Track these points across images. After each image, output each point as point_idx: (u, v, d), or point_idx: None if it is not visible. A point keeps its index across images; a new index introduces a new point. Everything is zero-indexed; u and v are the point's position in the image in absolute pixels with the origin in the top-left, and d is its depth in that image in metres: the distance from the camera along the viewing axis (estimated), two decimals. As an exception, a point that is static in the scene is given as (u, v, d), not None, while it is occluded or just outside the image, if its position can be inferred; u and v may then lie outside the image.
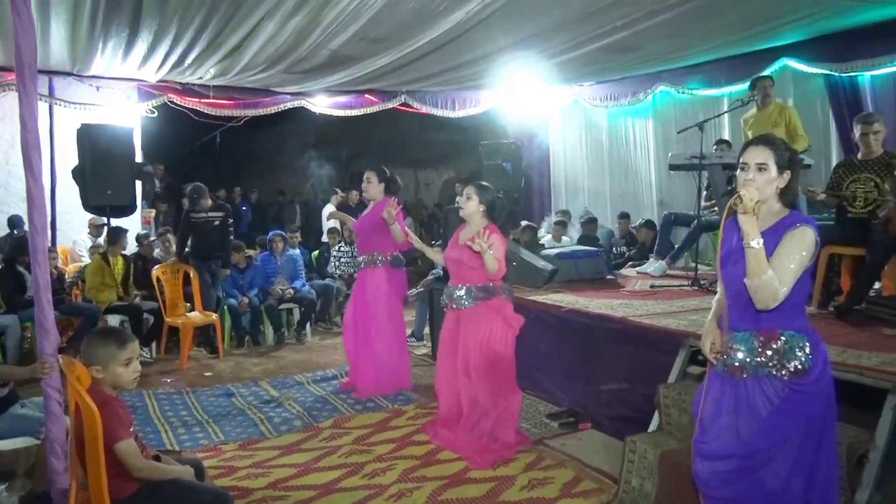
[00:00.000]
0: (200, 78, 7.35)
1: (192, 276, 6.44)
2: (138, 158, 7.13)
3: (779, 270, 2.08)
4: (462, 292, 3.89)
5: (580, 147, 9.63)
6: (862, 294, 4.14)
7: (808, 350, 2.16)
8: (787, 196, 2.22)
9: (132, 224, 7.16)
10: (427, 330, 6.51)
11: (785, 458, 2.18)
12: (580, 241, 7.39)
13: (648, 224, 7.65)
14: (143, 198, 7.93)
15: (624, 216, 8.23)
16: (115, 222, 6.48)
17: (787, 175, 2.20)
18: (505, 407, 3.91)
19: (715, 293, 2.50)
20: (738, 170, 2.25)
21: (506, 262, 3.90)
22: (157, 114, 7.80)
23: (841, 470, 2.76)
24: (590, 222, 8.14)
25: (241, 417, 4.61)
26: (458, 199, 4.10)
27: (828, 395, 2.22)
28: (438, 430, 4.09)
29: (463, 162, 13.96)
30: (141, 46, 6.03)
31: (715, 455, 2.25)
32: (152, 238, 7.22)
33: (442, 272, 6.05)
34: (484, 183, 4.08)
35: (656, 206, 8.42)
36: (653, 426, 3.59)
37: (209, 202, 6.66)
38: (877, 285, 4.45)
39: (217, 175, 12.95)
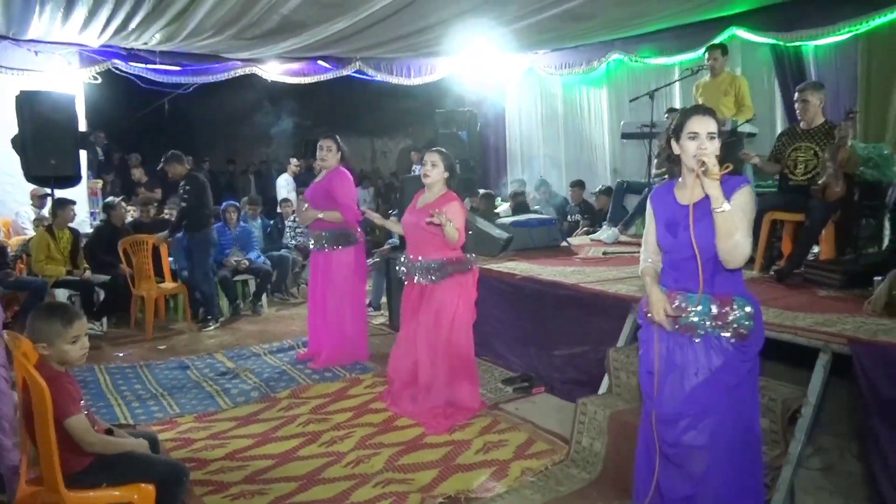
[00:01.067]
0: (146, 43, 7.09)
1: (161, 248, 6.43)
2: (82, 127, 6.88)
3: (741, 230, 2.20)
4: (426, 267, 3.90)
5: (535, 115, 9.66)
6: (801, 258, 4.32)
7: (752, 314, 2.30)
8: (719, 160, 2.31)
9: (78, 195, 6.94)
10: (384, 299, 6.54)
11: (713, 415, 2.32)
12: (514, 212, 7.48)
13: (607, 191, 7.75)
14: (88, 168, 7.67)
15: (578, 184, 8.33)
16: (59, 193, 6.27)
17: (718, 141, 2.31)
18: (463, 376, 3.98)
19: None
20: (686, 138, 2.31)
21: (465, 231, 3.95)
22: (100, 80, 7.51)
23: (776, 424, 2.93)
24: (518, 194, 8.21)
25: (197, 390, 4.59)
26: (414, 167, 4.11)
27: (758, 357, 2.38)
28: (395, 397, 4.15)
29: (419, 130, 13.86)
30: (81, 10, 5.77)
31: (670, 413, 2.37)
32: (115, 202, 6.97)
33: (398, 241, 6.07)
34: (443, 149, 4.09)
35: (610, 173, 8.54)
36: (603, 388, 3.72)
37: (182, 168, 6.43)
38: (815, 249, 4.66)
39: (166, 144, 12.55)
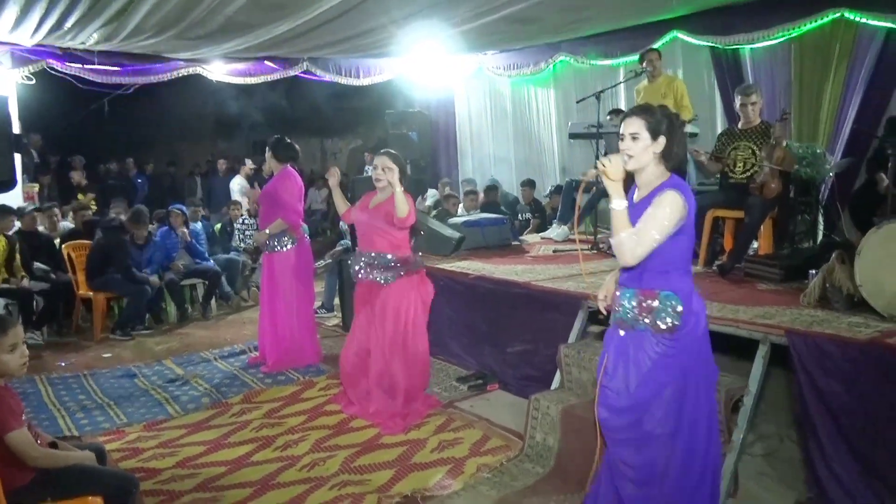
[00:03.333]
0: (83, 43, 6.84)
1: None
2: (16, 129, 6.61)
3: (640, 232, 2.25)
4: (375, 264, 3.90)
5: (485, 115, 9.74)
6: (741, 253, 4.49)
7: (679, 309, 2.31)
8: (668, 159, 2.36)
9: (13, 200, 6.65)
10: (337, 300, 6.49)
11: (661, 406, 2.37)
12: (483, 209, 7.53)
13: (559, 190, 7.87)
14: (23, 171, 7.37)
15: (528, 184, 8.44)
16: (-7, 199, 6.01)
17: (662, 140, 2.33)
18: (417, 376, 4.00)
19: (613, 256, 2.64)
20: (620, 140, 2.39)
21: (413, 232, 3.96)
22: (34, 81, 7.22)
23: (720, 414, 3.03)
24: (490, 189, 8.29)
25: (145, 398, 4.47)
26: (367, 168, 4.10)
27: (699, 349, 2.40)
28: (350, 398, 4.13)
29: (369, 130, 13.79)
30: (12, 8, 5.52)
31: (615, 406, 2.43)
32: (28, 209, 6.71)
33: (350, 242, 6.04)
34: (392, 150, 4.09)
35: (559, 172, 8.68)
36: (555, 384, 3.79)
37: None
38: (755, 245, 4.84)
39: (107, 146, 12.20)
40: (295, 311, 4.94)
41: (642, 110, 2.39)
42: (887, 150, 4.26)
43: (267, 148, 4.97)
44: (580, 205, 2.44)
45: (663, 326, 2.32)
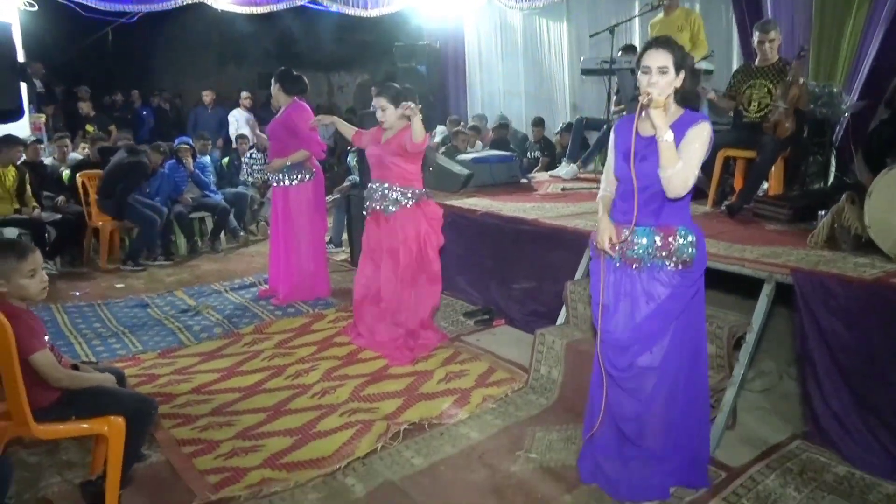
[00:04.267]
0: (86, -33, 6.69)
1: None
2: (20, 58, 6.52)
3: (686, 161, 2.26)
4: (387, 196, 3.91)
5: (496, 49, 9.53)
6: (751, 193, 4.47)
7: (695, 242, 2.40)
8: (680, 94, 2.35)
9: (20, 130, 6.63)
10: (345, 236, 6.54)
11: (664, 339, 2.43)
12: (493, 146, 7.48)
13: (569, 128, 7.79)
14: (28, 101, 7.31)
15: (538, 123, 8.33)
16: (1, 128, 5.99)
17: (682, 75, 2.32)
18: (426, 306, 4.07)
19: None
20: (640, 73, 2.35)
21: (423, 167, 3.97)
22: (37, 7, 7.07)
23: (721, 350, 3.11)
24: (501, 127, 8.21)
25: (159, 327, 4.58)
26: (374, 102, 4.06)
27: (701, 280, 2.49)
28: (359, 331, 4.22)
29: (377, 64, 13.52)
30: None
31: (618, 339, 2.47)
32: (32, 140, 6.69)
33: (359, 178, 6.03)
34: (390, 84, 4.04)
35: (570, 109, 8.56)
36: (560, 320, 3.85)
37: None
38: (765, 185, 4.82)
39: (110, 76, 12.03)
40: (309, 244, 4.98)
41: (669, 43, 2.34)
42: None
43: (273, 80, 4.88)
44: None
45: (685, 260, 2.37)
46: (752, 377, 3.45)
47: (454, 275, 5.00)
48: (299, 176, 4.85)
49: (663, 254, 2.37)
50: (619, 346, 2.48)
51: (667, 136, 2.23)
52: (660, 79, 2.30)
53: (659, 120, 2.23)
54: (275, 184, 4.96)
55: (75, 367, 2.54)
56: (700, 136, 2.30)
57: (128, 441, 2.41)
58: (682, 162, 2.25)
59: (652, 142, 2.33)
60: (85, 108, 9.28)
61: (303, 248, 4.96)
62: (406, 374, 3.76)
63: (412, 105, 3.65)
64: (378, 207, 3.97)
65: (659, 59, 2.30)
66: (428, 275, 4.04)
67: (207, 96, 10.08)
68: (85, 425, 2.40)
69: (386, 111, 3.89)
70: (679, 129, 2.31)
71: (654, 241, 2.38)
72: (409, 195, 3.91)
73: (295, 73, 4.89)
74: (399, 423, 3.16)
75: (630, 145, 2.38)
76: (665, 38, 2.39)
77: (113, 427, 2.37)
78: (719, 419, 2.98)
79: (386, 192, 3.93)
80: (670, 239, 2.37)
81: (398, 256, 3.94)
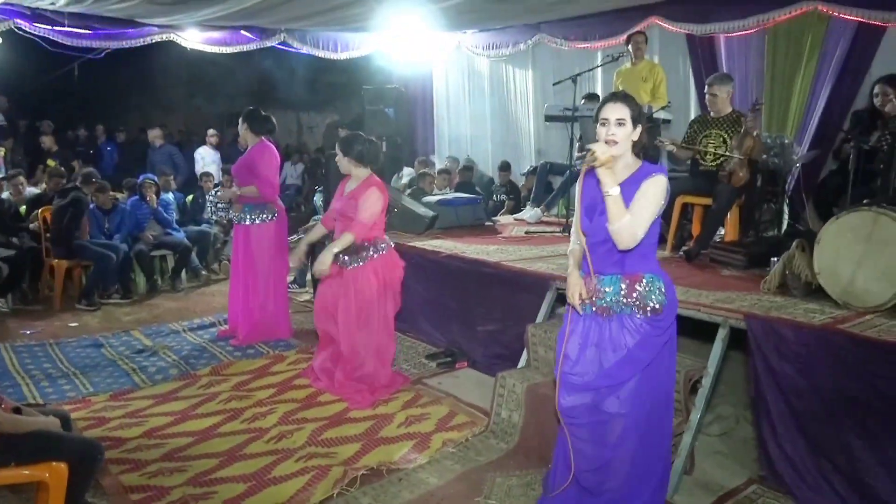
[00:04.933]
0: (53, 3, 6.66)
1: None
2: (-18, 91, 6.44)
3: (637, 216, 2.30)
4: (354, 251, 3.92)
5: (463, 94, 9.70)
6: (707, 239, 4.58)
7: (663, 290, 2.41)
8: (637, 147, 2.42)
9: (-23, 164, 6.51)
10: (309, 276, 6.49)
11: (630, 387, 2.43)
12: (458, 188, 7.56)
13: (535, 172, 7.91)
14: (-11, 135, 7.20)
15: (504, 167, 8.48)
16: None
17: (639, 129, 2.39)
18: (383, 352, 4.04)
19: None
20: (599, 125, 2.42)
21: (387, 212, 4.00)
22: (1, 41, 7.01)
23: (678, 394, 3.13)
24: (466, 169, 8.32)
25: (112, 368, 4.46)
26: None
27: (673, 330, 2.50)
28: (318, 374, 4.16)
29: (346, 105, 13.66)
30: (-21, -36, 5.37)
31: (582, 387, 2.47)
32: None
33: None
34: (348, 134, 4.13)
35: (535, 154, 8.72)
36: (522, 363, 3.86)
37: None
38: (721, 231, 4.95)
39: (76, 112, 11.90)
40: (271, 285, 4.93)
41: (626, 98, 2.42)
42: (850, 143, 4.37)
43: (241, 119, 4.90)
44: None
45: (655, 307, 2.38)
46: (710, 421, 3.49)
47: (417, 316, 4.99)
48: (262, 216, 4.83)
49: (629, 300, 2.39)
50: (578, 390, 2.47)
51: (612, 191, 2.27)
52: (617, 130, 2.36)
53: (604, 177, 2.28)
54: (237, 223, 4.92)
55: (17, 410, 2.45)
56: (652, 188, 2.33)
57: (70, 488, 2.32)
58: (630, 215, 2.29)
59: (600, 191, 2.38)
60: (48, 142, 9.15)
61: (263, 287, 4.91)
62: (366, 418, 3.70)
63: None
64: (337, 262, 3.95)
65: (617, 111, 2.37)
66: (384, 324, 4.02)
67: (155, 134, 9.90)
68: (25, 472, 2.30)
69: (338, 157, 4.01)
70: (636, 181, 2.36)
71: (621, 289, 2.40)
72: (369, 251, 3.91)
73: (263, 112, 4.92)
74: (357, 469, 3.10)
75: (591, 199, 2.44)
76: (623, 93, 2.48)
77: (54, 473, 2.28)
78: (677, 463, 3.00)
79: (349, 251, 3.92)
80: (636, 286, 2.39)
81: (350, 307, 3.91)
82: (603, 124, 2.40)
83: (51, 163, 8.40)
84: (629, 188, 2.35)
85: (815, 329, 2.89)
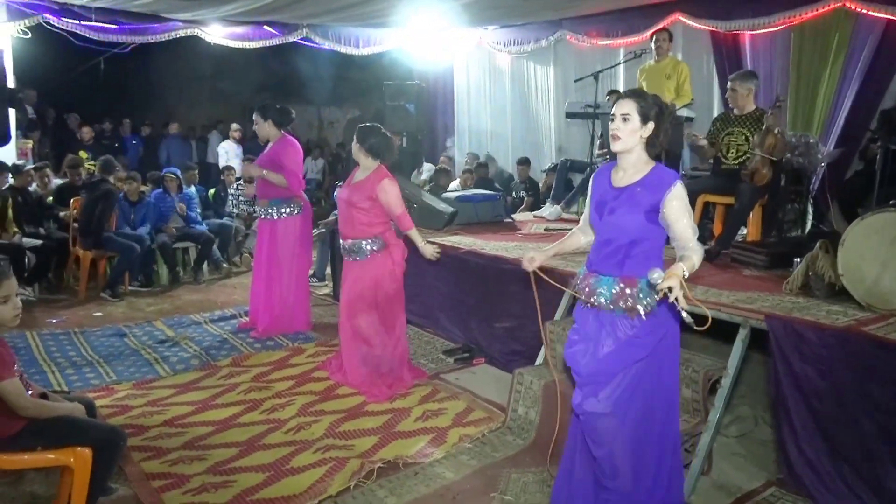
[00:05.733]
0: (81, -2, 6.78)
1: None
2: (10, 83, 6.55)
3: (686, 236, 2.30)
4: (354, 249, 3.98)
5: (484, 90, 9.69)
6: (729, 239, 4.53)
7: (657, 296, 2.30)
8: (653, 146, 2.39)
9: (7, 155, 6.63)
10: (328, 270, 6.54)
11: (618, 383, 2.38)
12: (476, 185, 7.56)
13: (554, 169, 7.88)
14: (17, 127, 7.31)
15: (523, 162, 8.45)
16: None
17: (650, 126, 2.35)
18: (395, 343, 4.06)
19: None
20: (609, 120, 2.41)
21: (403, 204, 4.02)
22: (30, 35, 7.14)
23: (697, 394, 3.12)
24: (480, 166, 8.31)
25: (135, 357, 4.53)
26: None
27: (673, 330, 2.44)
28: (337, 367, 4.20)
29: (367, 101, 13.70)
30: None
31: (580, 377, 2.45)
32: (27, 167, 6.70)
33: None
34: (367, 125, 4.13)
35: (555, 151, 8.68)
36: (539, 360, 3.86)
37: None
38: (743, 231, 4.90)
39: (102, 105, 12.07)
40: (293, 278, 4.98)
41: (635, 93, 2.41)
42: (877, 143, 4.30)
43: (257, 114, 4.90)
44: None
45: (643, 310, 2.33)
46: (728, 422, 3.46)
47: (435, 311, 5.01)
48: (287, 210, 4.87)
49: (621, 303, 2.35)
50: (578, 385, 2.47)
51: (683, 275, 2.15)
52: (622, 125, 2.34)
53: (681, 289, 2.10)
54: (263, 218, 4.97)
55: (44, 396, 2.51)
56: (681, 200, 2.32)
57: (94, 473, 2.36)
58: (680, 238, 2.30)
59: (622, 193, 2.37)
60: (86, 134, 9.35)
61: (286, 281, 4.95)
62: (383, 412, 3.73)
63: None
64: (349, 259, 4.04)
65: (624, 106, 2.36)
66: (394, 314, 4.06)
67: (174, 128, 10.20)
68: (50, 455, 2.36)
69: (353, 144, 4.06)
70: (647, 184, 2.35)
71: (614, 291, 2.37)
72: (376, 245, 3.95)
73: (278, 105, 4.95)
74: (373, 462, 3.13)
75: (602, 195, 2.43)
76: (635, 90, 2.46)
77: (79, 458, 2.33)
78: (694, 464, 2.98)
79: (351, 246, 3.99)
80: (628, 290, 2.34)
81: (356, 302, 3.97)
82: (611, 119, 2.40)
83: (83, 154, 8.53)
84: (642, 193, 2.33)
85: (838, 331, 2.85)
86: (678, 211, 2.31)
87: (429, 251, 3.97)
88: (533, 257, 2.66)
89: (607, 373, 2.39)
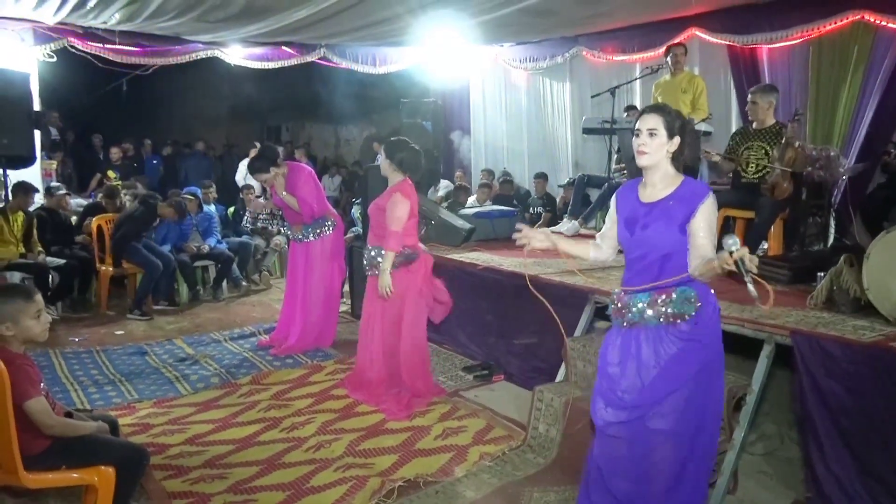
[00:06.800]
0: (105, 22, 6.92)
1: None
2: (36, 106, 6.70)
3: (705, 245, 2.26)
4: (376, 259, 3.98)
5: (500, 107, 9.73)
6: (750, 253, 4.48)
7: (693, 299, 2.32)
8: (678, 160, 2.39)
9: (32, 176, 6.75)
10: (346, 287, 6.55)
11: (676, 401, 2.35)
12: (495, 201, 7.57)
13: (572, 184, 7.87)
14: (41, 148, 7.46)
15: (540, 176, 8.45)
16: (12, 174, 6.11)
17: (676, 140, 2.35)
18: (416, 360, 4.06)
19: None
20: (633, 136, 2.41)
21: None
22: (55, 59, 7.30)
23: (722, 412, 3.06)
24: (506, 182, 8.33)
25: (156, 375, 4.56)
26: (378, 156, 4.18)
27: (718, 343, 2.41)
28: (356, 384, 4.20)
29: (384, 119, 13.80)
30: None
31: (624, 404, 2.39)
32: (60, 191, 6.82)
33: (362, 230, 6.10)
34: (396, 139, 4.15)
35: (572, 167, 8.68)
36: (560, 377, 3.83)
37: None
38: (765, 245, 4.85)
39: (124, 126, 12.29)
40: (324, 293, 5.05)
41: (660, 108, 2.41)
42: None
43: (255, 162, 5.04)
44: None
45: (683, 317, 2.32)
46: (754, 440, 3.40)
47: (454, 328, 5.00)
48: (321, 230, 4.95)
49: (659, 313, 2.33)
50: (622, 406, 2.41)
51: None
52: (648, 140, 2.34)
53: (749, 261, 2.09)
54: (298, 241, 5.03)
55: (69, 415, 2.53)
56: (711, 212, 2.31)
57: (117, 492, 2.38)
58: (706, 252, 2.24)
59: (654, 208, 2.36)
60: (115, 154, 9.53)
61: (320, 298, 5.04)
62: (403, 430, 3.71)
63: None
64: (369, 273, 4.06)
65: (649, 121, 2.36)
66: (413, 333, 4.05)
67: (201, 146, 10.45)
68: (75, 475, 2.37)
69: (380, 157, 4.07)
70: (681, 199, 2.33)
71: (647, 303, 2.36)
72: (405, 258, 3.95)
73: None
74: (394, 480, 3.11)
75: (631, 212, 2.42)
76: (658, 105, 2.46)
77: (103, 477, 2.35)
78: (720, 483, 2.93)
79: (373, 255, 4.00)
80: (660, 298, 2.33)
81: (379, 318, 3.99)
82: (637, 135, 2.39)
83: (111, 174, 8.68)
84: (680, 205, 2.32)
85: (865, 346, 2.80)
86: (707, 221, 2.30)
87: (384, 281, 3.84)
88: (538, 237, 2.60)
89: (661, 395, 2.34)
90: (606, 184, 6.04)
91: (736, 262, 2.06)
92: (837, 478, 2.81)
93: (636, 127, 2.40)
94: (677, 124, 2.36)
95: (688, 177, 2.44)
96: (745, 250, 2.06)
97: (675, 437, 2.37)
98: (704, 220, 2.29)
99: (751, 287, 2.07)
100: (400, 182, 3.99)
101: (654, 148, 2.34)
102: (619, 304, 2.44)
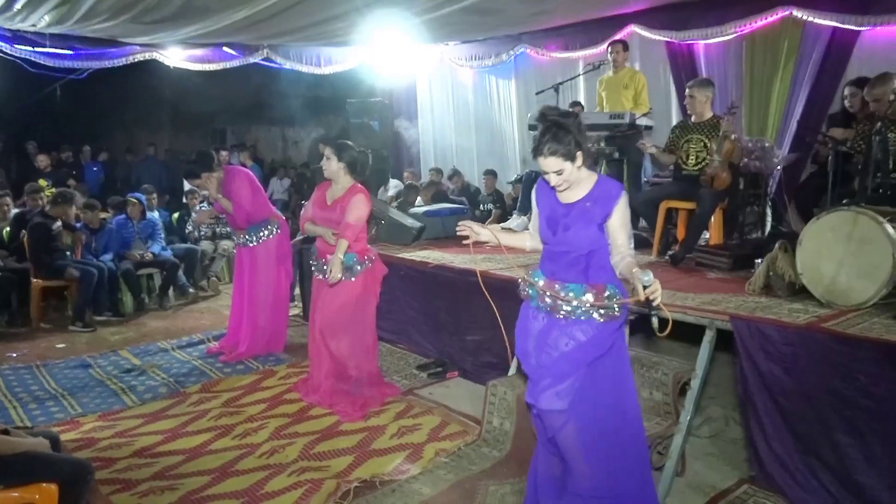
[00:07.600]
0: (34, 25, 6.65)
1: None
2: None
3: (624, 244, 2.41)
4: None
5: (447, 105, 9.76)
6: (692, 243, 4.63)
7: (620, 300, 2.44)
8: (587, 163, 2.46)
9: (-40, 187, 6.46)
10: (297, 290, 6.47)
11: (578, 381, 2.42)
12: (434, 200, 7.59)
13: (520, 181, 7.95)
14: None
15: (490, 173, 8.51)
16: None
17: (579, 154, 2.37)
18: (368, 361, 4.05)
19: None
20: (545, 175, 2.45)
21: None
22: (-19, 63, 7.00)
23: (668, 397, 3.16)
24: (432, 183, 8.37)
25: (100, 388, 4.42)
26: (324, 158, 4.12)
27: (622, 333, 2.57)
28: (310, 388, 4.16)
29: (331, 120, 13.68)
30: (-41, -13, 5.36)
31: (538, 378, 2.48)
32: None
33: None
34: (343, 141, 4.12)
35: (520, 163, 8.77)
36: (512, 370, 3.87)
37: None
38: (706, 235, 5.00)
39: (59, 132, 11.85)
40: (272, 297, 4.97)
41: (550, 146, 2.33)
42: (827, 145, 4.44)
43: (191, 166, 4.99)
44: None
45: (611, 315, 2.43)
46: (700, 423, 3.51)
47: (407, 327, 5.00)
48: (265, 233, 4.87)
49: (593, 309, 2.42)
50: (534, 382, 2.50)
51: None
52: (560, 178, 2.39)
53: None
54: (242, 245, 4.94)
55: (6, 433, 2.43)
56: (623, 214, 2.42)
57: (61, 510, 2.30)
58: (624, 249, 2.40)
59: (572, 209, 2.44)
60: (42, 161, 9.14)
61: (268, 303, 4.95)
62: (358, 430, 3.70)
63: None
64: (321, 277, 4.00)
65: (551, 165, 2.36)
66: (365, 332, 4.06)
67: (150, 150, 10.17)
68: (14, 494, 2.28)
69: (330, 160, 3.97)
70: (596, 199, 2.42)
71: (588, 299, 2.42)
72: (355, 268, 3.93)
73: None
74: (350, 482, 3.10)
75: (551, 212, 2.50)
76: (542, 143, 2.36)
77: (44, 495, 2.27)
78: (668, 466, 3.01)
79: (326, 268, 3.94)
80: (601, 295, 2.42)
81: (331, 313, 3.96)
82: (547, 175, 2.42)
83: (43, 182, 8.34)
84: (592, 207, 2.42)
85: (800, 328, 2.93)
86: (622, 220, 2.43)
87: (336, 266, 3.80)
88: (478, 232, 2.67)
89: (563, 371, 2.42)
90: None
91: (647, 297, 2.18)
92: (778, 455, 2.93)
93: (544, 170, 2.40)
94: (571, 142, 2.33)
95: (601, 175, 2.54)
96: (657, 287, 2.17)
97: (577, 421, 2.42)
98: (619, 219, 2.42)
99: (654, 321, 2.28)
100: (354, 184, 3.99)
101: (568, 177, 2.40)
102: (548, 292, 2.48)
